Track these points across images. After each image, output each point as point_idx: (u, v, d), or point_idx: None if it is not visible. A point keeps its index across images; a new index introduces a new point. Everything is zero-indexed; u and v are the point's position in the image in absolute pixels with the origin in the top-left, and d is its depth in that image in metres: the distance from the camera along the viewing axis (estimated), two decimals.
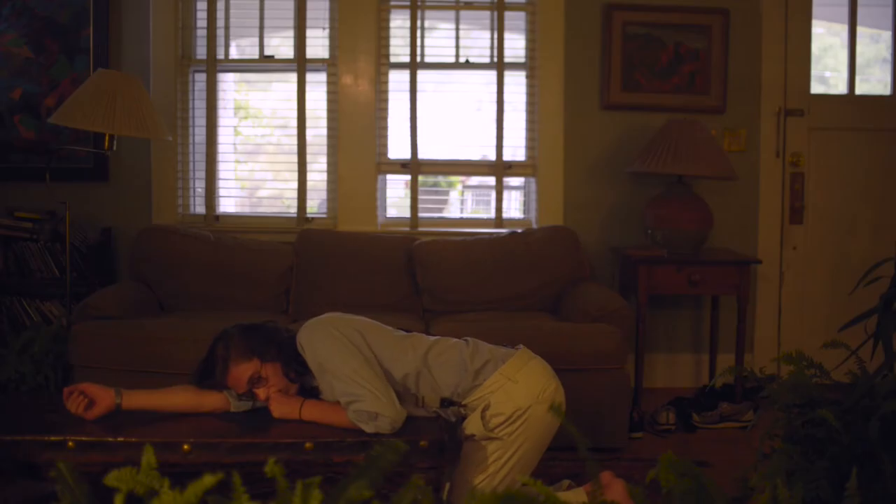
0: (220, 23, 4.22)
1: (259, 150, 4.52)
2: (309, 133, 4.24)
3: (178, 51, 4.20)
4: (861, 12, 4.28)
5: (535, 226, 4.20)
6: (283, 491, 1.14)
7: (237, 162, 4.45)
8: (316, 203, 4.37)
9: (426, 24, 4.31)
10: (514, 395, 2.27)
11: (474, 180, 4.61)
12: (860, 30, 4.32)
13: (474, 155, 4.38)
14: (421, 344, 2.34)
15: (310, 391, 2.36)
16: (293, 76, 4.23)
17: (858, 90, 4.33)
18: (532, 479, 1.24)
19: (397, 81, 4.26)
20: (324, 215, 4.29)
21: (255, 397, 2.30)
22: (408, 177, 4.26)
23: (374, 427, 2.14)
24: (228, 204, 4.41)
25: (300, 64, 4.18)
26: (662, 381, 4.25)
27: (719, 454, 3.26)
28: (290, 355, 2.31)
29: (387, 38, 4.24)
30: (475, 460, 2.28)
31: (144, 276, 3.81)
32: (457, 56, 4.29)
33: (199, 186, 4.32)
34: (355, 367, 2.20)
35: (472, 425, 2.28)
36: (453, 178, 4.58)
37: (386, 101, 4.26)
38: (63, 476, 1.17)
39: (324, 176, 4.30)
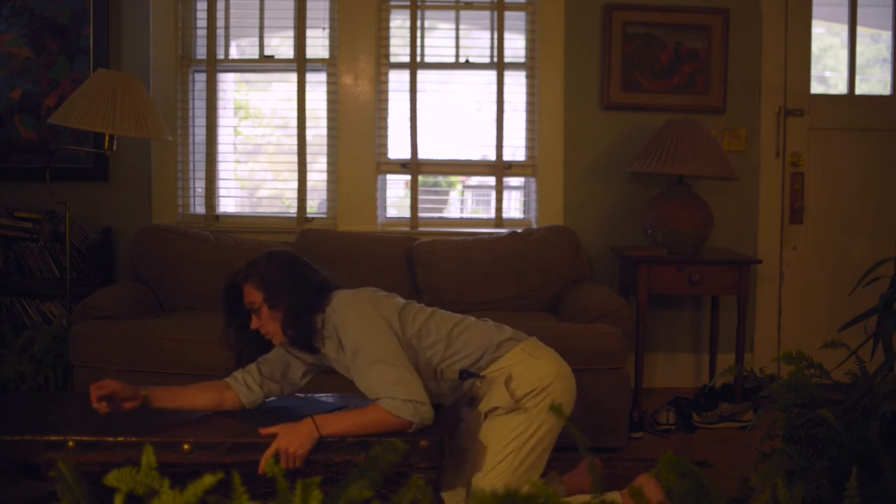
0: (220, 23, 4.22)
1: (259, 150, 4.52)
2: (309, 133, 4.24)
3: (178, 51, 4.20)
4: (861, 12, 4.28)
5: (535, 226, 4.20)
6: (283, 491, 1.14)
7: (237, 162, 4.45)
8: (316, 203, 4.37)
9: (426, 24, 4.31)
10: (536, 369, 2.30)
11: (474, 180, 4.61)
12: (860, 30, 4.32)
13: (474, 155, 4.38)
14: (445, 322, 2.36)
15: (308, 347, 2.34)
16: (293, 76, 4.23)
17: (858, 90, 4.33)
18: (532, 480, 1.24)
19: (397, 81, 4.26)
20: (324, 215, 4.29)
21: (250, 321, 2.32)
22: (408, 177, 4.26)
23: (417, 414, 2.11)
24: (228, 204, 4.41)
25: (300, 64, 4.18)
26: (662, 381, 4.26)
27: (719, 454, 3.26)
28: (297, 319, 2.27)
29: (387, 38, 4.24)
30: (500, 434, 2.26)
31: (144, 276, 3.81)
32: (457, 56, 4.29)
33: (199, 186, 4.32)
34: (397, 356, 2.19)
35: (498, 397, 2.27)
36: (453, 178, 4.58)
37: (386, 101, 4.26)
38: (63, 476, 1.17)
39: (324, 176, 4.30)
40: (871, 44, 4.60)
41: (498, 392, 2.27)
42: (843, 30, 4.35)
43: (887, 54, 4.42)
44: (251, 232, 4.15)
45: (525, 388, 2.27)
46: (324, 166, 4.30)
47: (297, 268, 2.35)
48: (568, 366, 2.40)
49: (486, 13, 4.26)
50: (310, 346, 2.35)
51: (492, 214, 4.30)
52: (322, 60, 4.25)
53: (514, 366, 2.30)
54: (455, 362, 2.30)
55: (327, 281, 2.40)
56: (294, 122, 4.23)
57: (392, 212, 4.40)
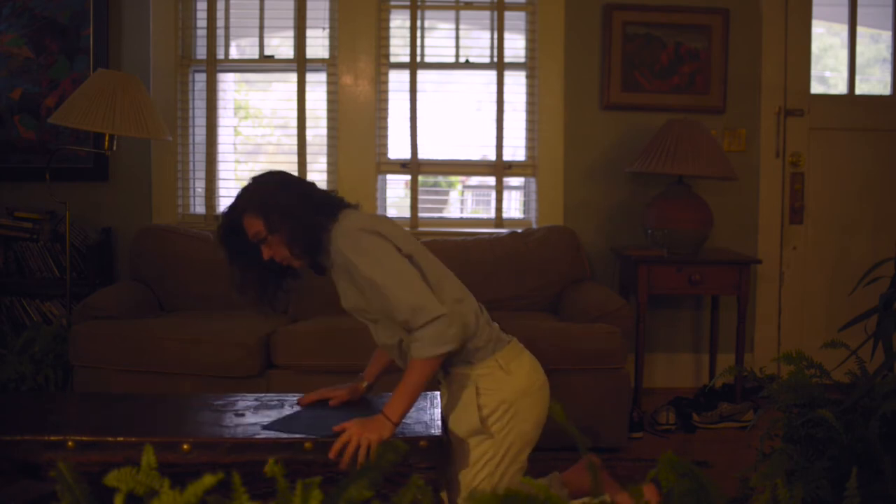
0: (220, 23, 4.22)
1: (259, 150, 4.52)
2: (309, 133, 4.24)
3: (178, 51, 4.20)
4: (861, 12, 4.28)
5: (535, 226, 4.20)
6: (283, 491, 1.14)
7: (237, 162, 4.45)
8: None
9: (426, 24, 4.31)
10: (503, 386, 2.20)
11: (474, 180, 4.61)
12: (860, 30, 4.32)
13: (474, 155, 4.38)
14: (453, 290, 2.25)
15: (318, 269, 2.31)
16: (293, 76, 4.23)
17: (858, 90, 4.33)
18: (531, 479, 1.24)
19: (397, 81, 4.26)
20: None
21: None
22: (408, 177, 4.26)
23: (445, 346, 2.06)
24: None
25: (300, 64, 4.18)
26: (662, 381, 4.26)
27: (719, 454, 3.26)
28: (301, 235, 2.18)
29: (387, 38, 4.24)
30: (471, 461, 2.21)
31: (144, 275, 3.81)
32: (457, 56, 4.29)
33: (199, 186, 4.32)
34: (405, 275, 2.11)
35: (466, 417, 2.20)
36: (453, 178, 4.58)
37: (386, 101, 4.26)
38: (63, 476, 1.17)
39: (324, 176, 4.30)
40: (871, 44, 4.60)
41: (467, 410, 2.19)
42: (843, 30, 4.35)
43: (887, 54, 4.42)
44: None
45: (489, 407, 2.19)
46: (324, 166, 4.30)
47: (290, 185, 2.26)
48: (541, 376, 2.30)
49: (486, 13, 4.26)
50: (319, 265, 2.29)
51: (492, 214, 4.30)
52: (322, 60, 4.25)
53: (481, 377, 2.21)
54: None
55: (328, 197, 2.29)
56: (294, 122, 4.23)
57: (392, 212, 4.40)
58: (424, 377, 2.10)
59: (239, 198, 2.26)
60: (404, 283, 2.10)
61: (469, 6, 4.26)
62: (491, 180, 4.32)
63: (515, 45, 4.30)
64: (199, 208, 4.32)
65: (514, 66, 4.28)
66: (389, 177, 4.33)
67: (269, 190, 2.22)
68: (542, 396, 2.28)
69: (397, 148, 4.28)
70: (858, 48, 4.32)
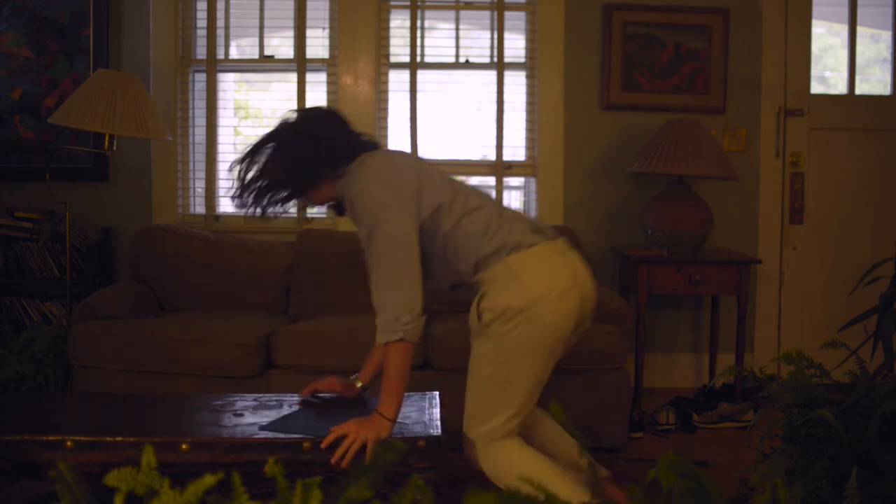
0: (220, 23, 4.22)
1: None
2: None
3: (178, 51, 4.20)
4: (861, 12, 4.28)
5: None
6: (283, 491, 1.14)
7: None
8: None
9: (426, 24, 4.31)
10: (509, 291, 2.11)
11: (474, 180, 4.60)
12: (860, 30, 4.32)
13: (474, 155, 4.38)
14: (472, 201, 2.23)
15: (338, 208, 2.36)
16: (293, 76, 4.23)
17: (858, 90, 4.33)
18: (533, 480, 1.24)
19: (397, 81, 4.26)
20: (323, 215, 4.29)
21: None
22: None
23: (396, 335, 2.08)
24: (228, 204, 4.40)
25: (300, 64, 4.18)
26: (662, 381, 4.26)
27: (719, 454, 3.26)
28: (279, 185, 2.28)
29: (387, 38, 4.24)
30: (476, 355, 2.19)
31: (144, 276, 3.81)
32: (457, 56, 4.29)
33: (199, 186, 4.32)
34: (389, 259, 2.15)
35: (471, 316, 2.20)
36: None
37: (386, 101, 4.26)
38: (63, 476, 1.17)
39: None
40: (871, 44, 4.60)
41: (472, 310, 2.19)
42: (843, 30, 4.35)
43: (887, 54, 4.42)
44: (251, 232, 4.14)
45: (493, 311, 2.12)
46: None
47: (308, 136, 2.27)
48: (566, 282, 2.13)
49: (486, 13, 4.26)
50: (339, 206, 2.34)
51: None
52: (322, 60, 4.25)
53: (488, 281, 2.15)
54: (449, 273, 2.26)
55: (348, 147, 2.27)
56: None
57: None
58: (401, 361, 2.11)
59: (276, 128, 2.31)
60: (382, 269, 2.15)
61: (469, 6, 4.26)
62: (491, 180, 4.32)
63: (515, 45, 4.30)
64: (199, 208, 4.32)
65: (514, 66, 4.28)
66: None
67: (292, 138, 2.27)
68: (567, 302, 2.12)
69: (397, 148, 4.28)
70: (858, 48, 4.32)
